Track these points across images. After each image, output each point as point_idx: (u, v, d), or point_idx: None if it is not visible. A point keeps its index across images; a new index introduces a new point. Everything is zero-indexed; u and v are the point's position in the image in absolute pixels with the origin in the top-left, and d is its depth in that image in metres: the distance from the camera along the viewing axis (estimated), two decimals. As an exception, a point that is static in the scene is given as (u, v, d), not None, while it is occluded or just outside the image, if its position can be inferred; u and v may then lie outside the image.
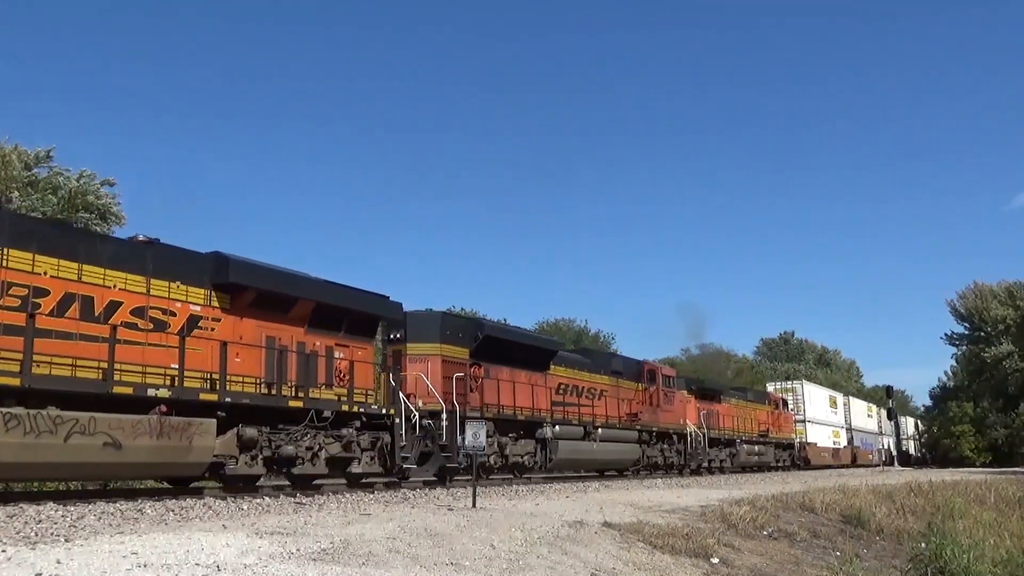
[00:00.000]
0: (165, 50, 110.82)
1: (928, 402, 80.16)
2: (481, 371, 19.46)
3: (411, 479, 17.23)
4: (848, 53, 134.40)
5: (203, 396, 12.36)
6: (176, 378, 12.03)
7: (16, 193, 23.18)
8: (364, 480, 15.95)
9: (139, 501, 10.68)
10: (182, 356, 12.14)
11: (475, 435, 11.83)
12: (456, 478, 18.49)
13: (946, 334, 70.39)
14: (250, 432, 13.11)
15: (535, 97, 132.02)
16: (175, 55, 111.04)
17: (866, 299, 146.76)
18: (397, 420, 15.92)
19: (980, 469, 48.83)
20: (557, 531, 8.92)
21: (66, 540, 6.30)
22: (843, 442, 53.01)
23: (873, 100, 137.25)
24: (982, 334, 64.68)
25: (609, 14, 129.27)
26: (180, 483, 13.82)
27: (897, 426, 67.33)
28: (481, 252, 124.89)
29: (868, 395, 73.73)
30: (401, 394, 16.44)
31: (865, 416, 60.32)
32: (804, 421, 46.15)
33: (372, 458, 15.60)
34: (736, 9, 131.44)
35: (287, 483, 15.15)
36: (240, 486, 13.60)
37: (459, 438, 16.72)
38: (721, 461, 33.34)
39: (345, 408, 14.96)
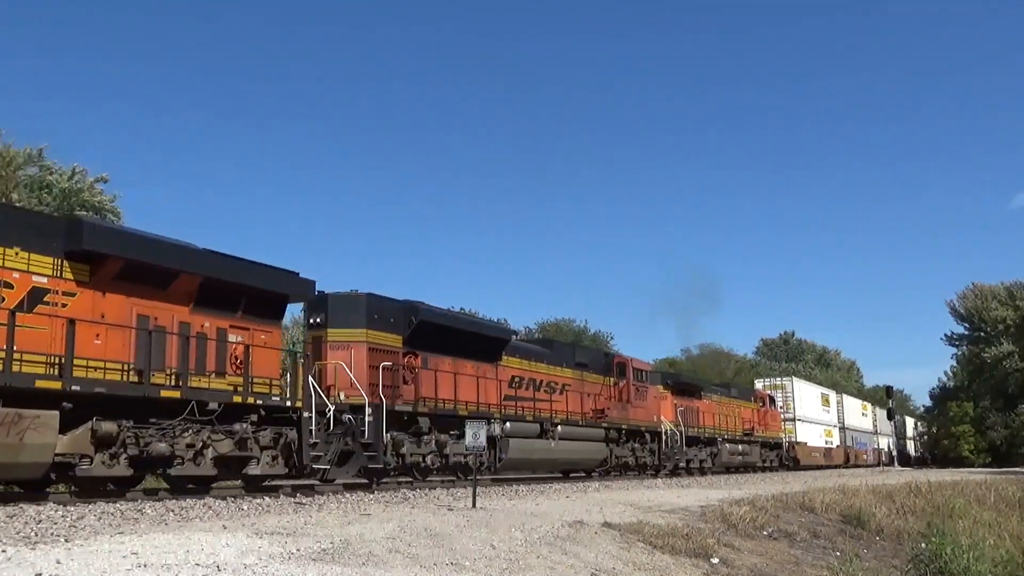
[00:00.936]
0: (157, 47, 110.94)
1: (928, 402, 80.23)
2: (417, 361, 17.51)
3: (335, 481, 15.59)
4: (848, 53, 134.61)
5: (40, 383, 10.33)
6: (3, 362, 9.92)
7: (15, 194, 23.16)
8: (267, 483, 14.02)
9: (139, 501, 10.68)
10: (11, 335, 10.02)
11: (475, 435, 11.83)
12: (383, 481, 16.75)
13: (946, 334, 70.53)
14: (107, 427, 11.07)
15: (534, 97, 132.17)
16: (165, 51, 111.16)
17: (866, 299, 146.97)
18: (307, 414, 13.84)
19: (980, 469, 48.82)
20: (557, 531, 8.92)
21: (66, 540, 6.30)
22: (836, 441, 51.28)
23: (873, 100, 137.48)
24: (982, 334, 64.72)
25: (608, 13, 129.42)
26: (27, 487, 11.50)
27: (897, 426, 67.37)
28: (480, 252, 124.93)
29: (868, 395, 73.68)
30: (314, 384, 14.43)
31: (859, 415, 58.80)
32: (794, 419, 44.32)
33: (274, 457, 13.52)
34: (735, 8, 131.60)
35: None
36: (101, 489, 12.06)
37: (385, 435, 15.46)
38: (701, 461, 31.62)
39: (238, 399, 12.86)
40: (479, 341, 19.59)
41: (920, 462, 65.70)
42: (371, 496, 13.43)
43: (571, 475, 24.70)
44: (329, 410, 14.55)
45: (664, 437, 27.71)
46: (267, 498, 12.08)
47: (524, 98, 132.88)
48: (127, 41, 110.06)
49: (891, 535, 15.15)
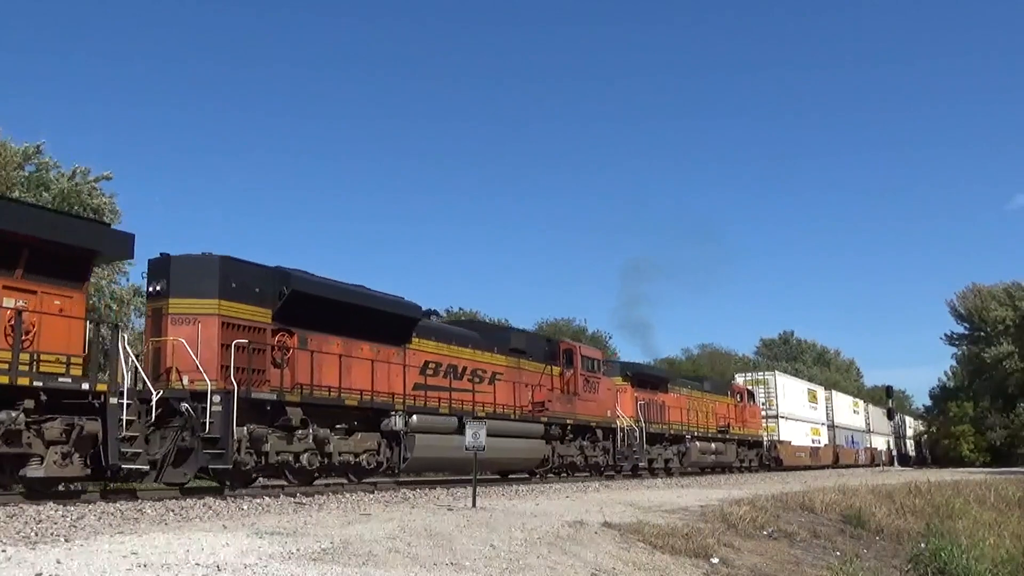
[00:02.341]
0: (150, 43, 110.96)
1: (928, 402, 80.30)
2: (292, 340, 14.82)
3: (179, 484, 12.95)
4: (847, 51, 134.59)
5: None
6: None
7: (16, 192, 23.16)
8: (61, 487, 11.65)
9: (139, 501, 10.69)
10: None
11: (475, 435, 11.84)
12: (245, 486, 14.08)
13: (946, 334, 70.56)
14: None
15: (533, 96, 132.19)
16: (156, 45, 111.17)
17: (866, 299, 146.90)
18: (115, 401, 11.15)
19: (980, 469, 48.84)
20: (557, 531, 8.93)
21: (66, 540, 6.30)
22: (824, 440, 48.34)
23: (873, 100, 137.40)
24: (982, 334, 64.77)
25: (606, 5, 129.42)
26: None
27: (897, 426, 67.42)
28: (482, 252, 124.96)
29: (868, 395, 73.69)
30: (136, 364, 12.32)
31: (850, 412, 56.06)
32: (777, 416, 41.22)
33: (66, 455, 10.74)
34: (732, 2, 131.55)
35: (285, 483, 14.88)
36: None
37: (236, 430, 12.82)
38: (666, 461, 28.78)
39: (3, 380, 10.02)
40: (379, 319, 16.57)
41: (920, 462, 65.72)
42: (371, 496, 13.45)
43: (509, 476, 22.12)
44: (154, 397, 12.01)
45: (621, 434, 24.86)
46: (267, 498, 12.09)
47: (524, 98, 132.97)
48: (118, 38, 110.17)
49: (891, 535, 15.16)
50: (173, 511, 9.40)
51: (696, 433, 30.91)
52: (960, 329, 68.87)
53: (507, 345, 21.07)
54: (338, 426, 15.24)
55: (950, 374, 72.60)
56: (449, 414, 17.80)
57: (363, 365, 16.00)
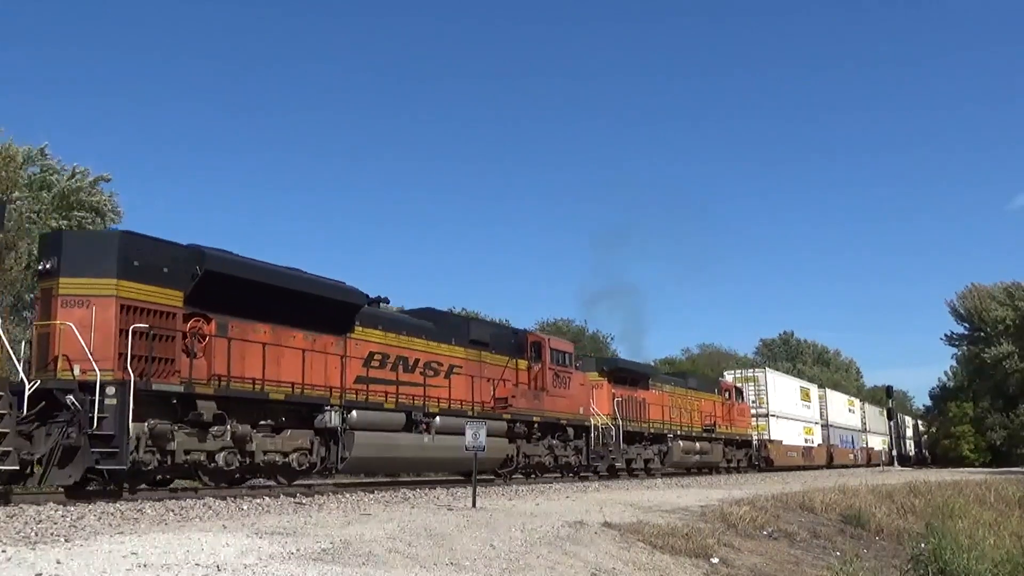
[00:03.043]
0: (150, 43, 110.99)
1: (928, 402, 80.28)
2: (210, 326, 13.43)
3: (58, 488, 11.83)
4: (846, 49, 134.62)
5: None
6: None
7: (17, 193, 23.18)
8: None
9: (139, 501, 10.70)
10: None
11: (475, 435, 11.84)
12: (141, 489, 12.63)
13: (946, 334, 70.51)
14: None
15: (531, 97, 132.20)
16: (156, 45, 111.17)
17: (866, 299, 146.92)
18: None
19: (980, 469, 48.83)
20: (557, 531, 8.94)
21: (66, 540, 6.30)
22: (817, 440, 46.81)
23: (872, 99, 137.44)
24: (982, 334, 64.74)
25: (605, 1, 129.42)
26: None
27: (897, 426, 67.39)
28: (482, 252, 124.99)
29: (868, 395, 73.66)
30: (9, 352, 11.37)
31: (845, 411, 54.56)
32: (767, 415, 39.71)
33: None
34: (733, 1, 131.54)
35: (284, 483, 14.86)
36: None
37: (134, 426, 11.57)
38: (646, 461, 27.41)
39: None
40: (314, 305, 15.09)
41: (920, 462, 65.69)
42: (371, 496, 13.46)
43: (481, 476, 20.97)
44: (27, 388, 11.08)
45: (596, 432, 23.57)
46: (267, 498, 12.10)
47: (523, 96, 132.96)
48: (119, 36, 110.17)
49: (891, 535, 15.17)
50: (173, 511, 9.41)
51: (679, 432, 29.49)
52: (960, 329, 68.88)
53: (467, 336, 19.61)
54: (263, 422, 13.88)
55: (950, 374, 72.58)
56: (396, 410, 16.43)
57: (295, 355, 14.53)
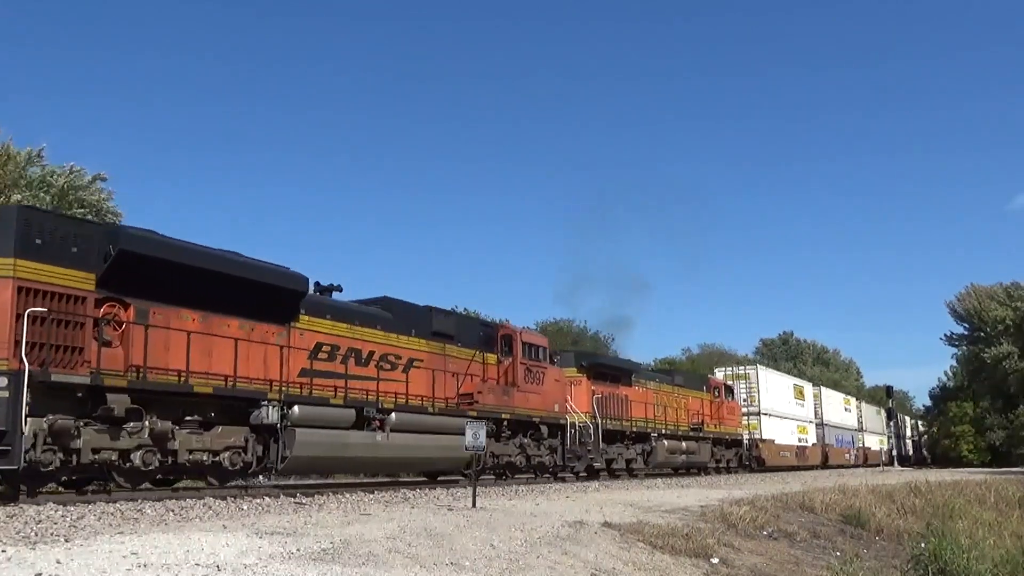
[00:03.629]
0: (150, 43, 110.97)
1: (928, 402, 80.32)
2: (127, 312, 12.26)
3: None
4: (846, 49, 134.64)
5: None
6: None
7: (18, 196, 23.19)
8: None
9: (139, 501, 10.69)
10: None
11: (475, 435, 11.84)
12: (40, 492, 11.51)
13: (945, 335, 70.53)
14: None
15: (530, 98, 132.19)
16: (155, 45, 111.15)
17: (866, 299, 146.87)
18: None
19: (979, 469, 48.84)
20: (557, 531, 8.94)
21: (66, 540, 6.30)
22: (811, 439, 45.54)
23: (872, 99, 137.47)
24: (981, 335, 64.77)
25: (603, 2, 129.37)
26: None
27: (897, 426, 67.41)
28: (481, 252, 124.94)
29: (868, 395, 73.64)
30: None
31: (841, 409, 53.19)
32: (759, 413, 38.52)
33: None
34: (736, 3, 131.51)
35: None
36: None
37: (31, 421, 10.57)
38: (628, 461, 26.06)
39: None
40: (251, 291, 13.84)
41: (920, 462, 65.71)
42: (371, 496, 13.46)
43: (438, 479, 19.89)
44: None
45: (572, 431, 22.34)
46: (267, 498, 12.10)
47: (521, 95, 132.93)
48: (113, 36, 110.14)
49: (891, 535, 15.18)
50: (173, 511, 9.41)
51: (664, 431, 28.13)
52: (960, 329, 68.89)
53: (429, 328, 18.17)
54: (189, 418, 12.74)
55: (950, 374, 72.65)
56: (344, 405, 15.17)
57: (228, 345, 13.30)
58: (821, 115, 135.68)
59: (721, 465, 33.47)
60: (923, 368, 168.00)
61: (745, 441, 36.22)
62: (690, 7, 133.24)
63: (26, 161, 25.08)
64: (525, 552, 7.65)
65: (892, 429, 65.64)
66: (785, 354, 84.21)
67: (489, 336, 20.40)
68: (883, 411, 62.47)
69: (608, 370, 26.34)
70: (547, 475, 21.85)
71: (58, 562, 5.21)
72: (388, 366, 16.68)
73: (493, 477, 20.17)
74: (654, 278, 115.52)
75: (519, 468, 20.46)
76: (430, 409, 17.28)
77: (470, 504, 11.00)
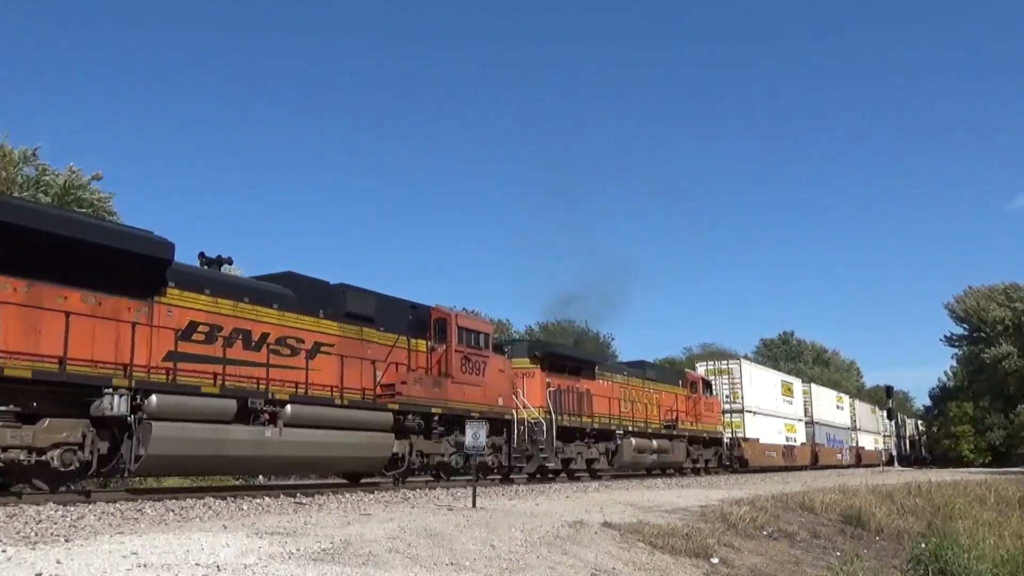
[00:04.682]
0: (150, 43, 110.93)
1: (928, 402, 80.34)
2: None
3: None
4: (845, 49, 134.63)
5: None
6: None
7: (16, 192, 23.20)
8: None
9: (139, 501, 10.69)
10: None
11: (475, 435, 11.84)
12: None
13: (945, 335, 70.55)
14: None
15: (529, 97, 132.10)
16: (155, 45, 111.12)
17: (866, 299, 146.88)
18: None
19: (980, 469, 48.83)
20: (557, 531, 8.94)
21: (66, 540, 6.30)
22: (801, 438, 43.38)
23: (872, 99, 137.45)
24: (981, 335, 64.79)
25: (603, 2, 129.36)
26: None
27: (897, 426, 67.40)
28: (481, 252, 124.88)
29: (868, 395, 73.58)
30: None
31: (833, 407, 51.09)
32: (743, 411, 36.41)
33: None
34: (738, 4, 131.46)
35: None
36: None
37: None
38: (590, 461, 23.94)
39: None
40: (98, 258, 11.80)
41: (920, 462, 65.70)
42: (371, 496, 13.45)
43: (354, 479, 17.61)
44: None
45: (522, 428, 20.23)
46: (267, 498, 12.09)
47: (517, 96, 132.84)
48: (113, 37, 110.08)
49: (891, 535, 15.18)
50: (173, 511, 9.41)
51: (632, 428, 25.88)
52: (959, 330, 68.93)
53: (342, 309, 15.99)
54: (3, 408, 10.67)
55: (950, 374, 72.67)
56: (222, 395, 12.96)
57: (56, 320, 11.08)
58: (821, 114, 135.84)
59: (698, 466, 31.31)
60: (923, 368, 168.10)
61: (726, 440, 34.21)
62: (690, 7, 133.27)
63: (21, 160, 25.10)
64: (525, 552, 7.65)
65: (892, 429, 65.62)
66: (785, 354, 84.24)
67: (420, 320, 18.04)
68: (878, 409, 62.31)
69: (566, 361, 23.98)
70: (492, 477, 20.00)
71: (58, 562, 5.21)
72: (287, 351, 14.55)
73: (399, 481, 17.00)
74: (653, 278, 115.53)
75: (454, 469, 18.21)
76: (337, 401, 15.08)
77: (470, 504, 11.00)
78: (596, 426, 24.09)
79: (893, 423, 65.16)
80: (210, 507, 10.18)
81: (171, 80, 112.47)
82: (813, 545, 12.69)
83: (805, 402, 46.18)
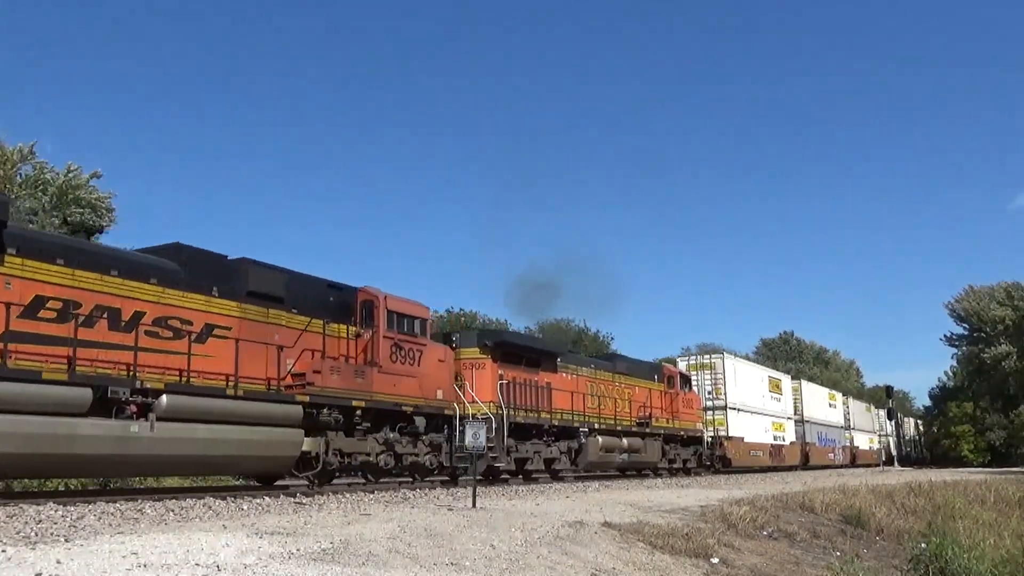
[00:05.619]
0: (149, 43, 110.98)
1: (928, 402, 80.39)
2: None
3: None
4: (845, 50, 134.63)
5: None
6: None
7: (14, 191, 23.20)
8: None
9: (139, 501, 10.70)
10: None
11: (475, 435, 11.84)
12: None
13: (945, 335, 70.51)
14: None
15: (529, 98, 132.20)
16: (155, 45, 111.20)
17: (866, 299, 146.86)
18: None
19: (980, 469, 48.83)
20: (557, 531, 8.94)
21: (66, 540, 6.31)
22: (790, 437, 41.32)
23: (872, 99, 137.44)
24: (981, 335, 64.79)
25: (602, 4, 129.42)
26: None
27: (897, 426, 67.43)
28: (481, 252, 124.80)
29: (868, 395, 73.59)
30: None
31: (825, 405, 48.99)
32: (726, 408, 34.31)
33: None
34: (731, 2, 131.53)
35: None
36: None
37: None
38: (549, 462, 21.96)
39: None
40: None
41: (920, 462, 65.72)
42: (371, 496, 13.45)
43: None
44: None
45: (458, 424, 17.92)
46: (267, 498, 12.10)
47: (521, 101, 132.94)
48: (114, 37, 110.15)
49: (891, 535, 15.18)
50: (173, 511, 9.41)
51: (598, 425, 23.86)
52: (960, 330, 68.91)
53: (243, 287, 14.13)
54: None
55: (950, 374, 72.69)
56: (70, 382, 11.03)
57: None
58: (822, 114, 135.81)
59: (676, 466, 29.20)
60: (923, 368, 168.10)
61: (707, 439, 32.20)
62: (691, 7, 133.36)
63: (18, 159, 25.10)
64: (525, 552, 7.65)
65: (892, 429, 65.63)
66: (785, 354, 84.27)
67: (343, 302, 16.25)
68: (874, 408, 62.32)
69: (522, 351, 21.66)
70: (430, 480, 18.18)
71: (58, 562, 5.21)
72: (168, 333, 12.68)
73: (314, 484, 15.01)
74: (655, 279, 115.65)
75: (383, 470, 16.46)
76: (230, 391, 13.11)
77: (470, 504, 11.01)
78: (556, 423, 22.01)
79: (893, 423, 65.17)
80: (210, 507, 10.19)
81: (171, 80, 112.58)
82: (813, 545, 12.69)
83: (795, 400, 44.13)
